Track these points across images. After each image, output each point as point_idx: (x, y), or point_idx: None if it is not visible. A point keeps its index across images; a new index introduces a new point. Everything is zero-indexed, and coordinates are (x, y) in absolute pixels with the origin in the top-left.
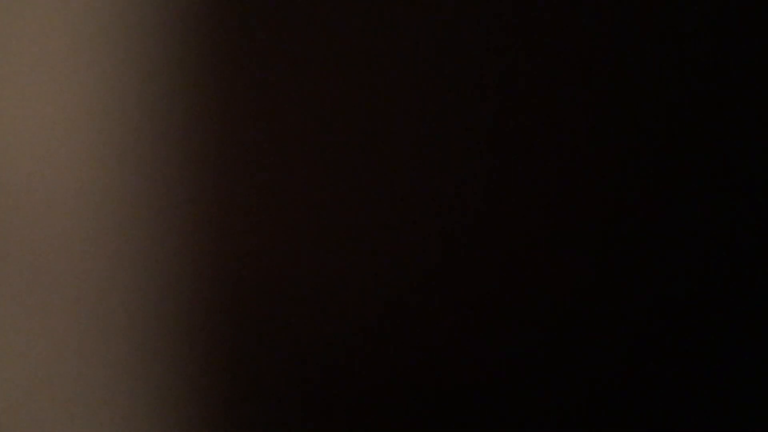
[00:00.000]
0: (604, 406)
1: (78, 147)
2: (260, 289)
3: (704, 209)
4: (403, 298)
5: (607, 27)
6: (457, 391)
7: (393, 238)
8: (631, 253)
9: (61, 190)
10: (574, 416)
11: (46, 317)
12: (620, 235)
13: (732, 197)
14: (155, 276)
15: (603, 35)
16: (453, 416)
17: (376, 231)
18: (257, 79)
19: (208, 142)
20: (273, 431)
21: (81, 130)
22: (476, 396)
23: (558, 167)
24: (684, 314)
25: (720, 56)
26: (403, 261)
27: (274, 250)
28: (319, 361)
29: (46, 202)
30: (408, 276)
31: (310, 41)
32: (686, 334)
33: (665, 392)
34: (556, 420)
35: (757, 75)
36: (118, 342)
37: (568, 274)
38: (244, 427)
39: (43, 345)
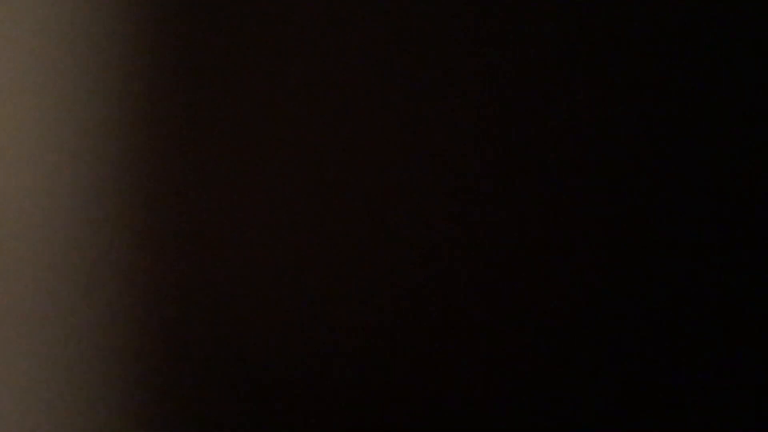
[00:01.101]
0: (604, 407)
1: (57, 151)
2: (245, 292)
3: (704, 209)
4: (393, 300)
5: (607, 27)
6: (451, 396)
7: (382, 240)
8: (633, 255)
9: (34, 194)
10: (574, 416)
11: (26, 317)
12: (621, 236)
13: (732, 197)
14: (137, 278)
15: (603, 35)
16: (447, 420)
17: (367, 233)
18: (247, 77)
19: (182, 144)
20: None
21: (58, 132)
22: (469, 400)
23: (558, 168)
24: (684, 314)
25: (720, 56)
26: (394, 262)
27: (259, 254)
28: (305, 364)
29: (22, 204)
30: (397, 278)
31: (293, 39)
32: (686, 334)
33: (665, 392)
34: (557, 420)
35: (757, 75)
36: (98, 346)
37: (569, 275)
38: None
39: (25, 346)
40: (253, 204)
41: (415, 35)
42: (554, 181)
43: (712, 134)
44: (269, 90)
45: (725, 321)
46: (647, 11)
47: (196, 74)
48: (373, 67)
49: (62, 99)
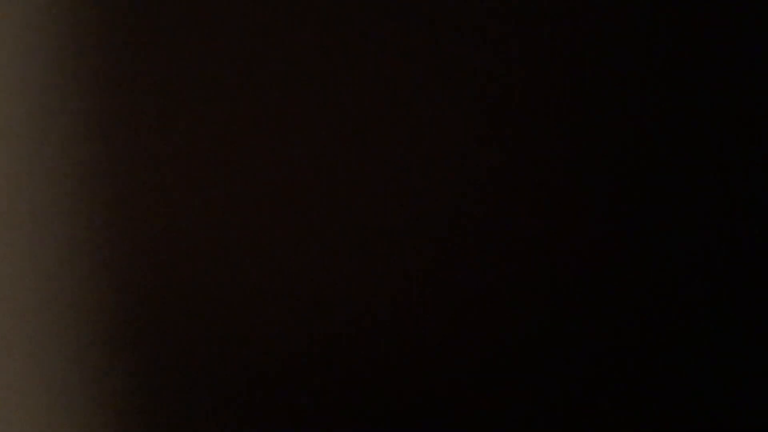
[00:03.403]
0: (604, 407)
1: (44, 150)
2: (242, 291)
3: (704, 209)
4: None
5: (607, 27)
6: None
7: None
8: (632, 253)
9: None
10: (574, 416)
11: None
12: (621, 235)
13: (732, 197)
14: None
15: (603, 35)
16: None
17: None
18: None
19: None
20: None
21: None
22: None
23: (558, 168)
24: (684, 315)
25: (720, 56)
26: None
27: (256, 252)
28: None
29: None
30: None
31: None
32: (686, 334)
33: (665, 393)
34: (555, 420)
35: (757, 75)
36: (31, 347)
37: (569, 275)
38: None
39: None
40: (252, 202)
41: (414, 34)
42: (555, 182)
43: (712, 134)
44: (267, 88)
45: (725, 321)
46: (647, 11)
47: (189, 71)
48: (372, 65)
49: (48, 97)
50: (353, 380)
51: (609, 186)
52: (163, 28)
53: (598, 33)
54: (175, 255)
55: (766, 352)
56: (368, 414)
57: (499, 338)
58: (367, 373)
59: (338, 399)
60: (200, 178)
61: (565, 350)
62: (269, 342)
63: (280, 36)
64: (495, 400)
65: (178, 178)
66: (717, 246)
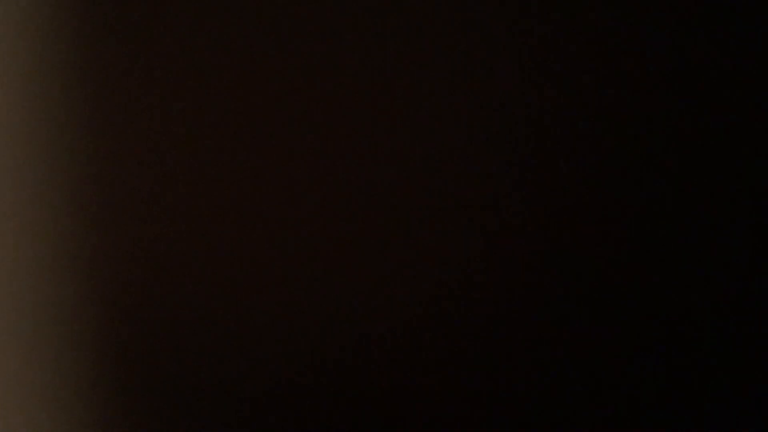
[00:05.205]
0: (606, 409)
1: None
2: (244, 296)
3: (704, 210)
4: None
5: (608, 27)
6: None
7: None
8: (645, 260)
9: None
10: (578, 419)
11: None
12: (627, 239)
13: (732, 197)
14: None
15: (603, 35)
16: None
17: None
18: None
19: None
20: None
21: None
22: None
23: (560, 170)
24: (684, 316)
25: (720, 56)
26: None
27: (259, 256)
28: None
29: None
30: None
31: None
32: (687, 335)
33: (666, 394)
34: (559, 422)
35: (757, 75)
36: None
37: (571, 278)
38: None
39: None
40: (252, 203)
41: (415, 35)
42: (555, 182)
43: (712, 134)
44: (267, 87)
45: (725, 321)
46: (648, 11)
47: (187, 69)
48: (372, 65)
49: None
50: (354, 383)
51: (614, 187)
52: (160, 26)
53: (601, 32)
54: (175, 256)
55: (766, 352)
56: (369, 419)
57: (505, 342)
58: (367, 376)
59: (338, 404)
60: (201, 178)
61: (566, 351)
62: (268, 345)
63: (279, 34)
64: (498, 404)
65: (178, 178)
66: (719, 247)
